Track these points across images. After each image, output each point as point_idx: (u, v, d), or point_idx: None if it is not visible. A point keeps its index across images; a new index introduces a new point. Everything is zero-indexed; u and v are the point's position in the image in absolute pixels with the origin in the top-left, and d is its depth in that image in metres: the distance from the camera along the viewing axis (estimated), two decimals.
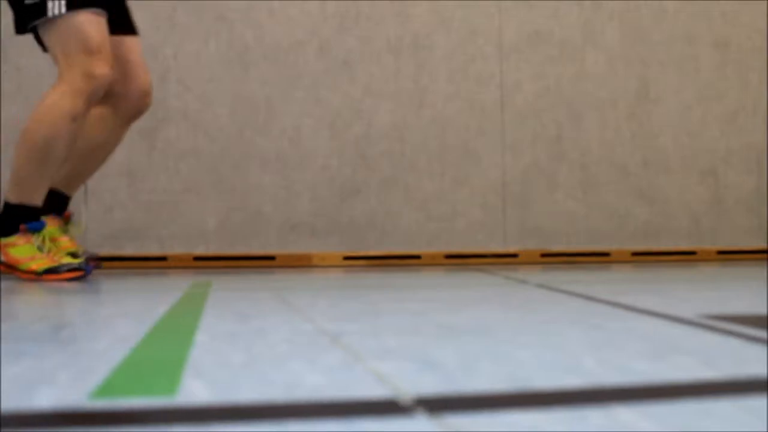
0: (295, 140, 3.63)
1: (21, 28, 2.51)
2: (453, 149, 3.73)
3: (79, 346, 1.18)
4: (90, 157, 2.69)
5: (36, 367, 1.00)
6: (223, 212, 3.57)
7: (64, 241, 2.61)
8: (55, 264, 2.47)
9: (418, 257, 3.66)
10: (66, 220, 2.70)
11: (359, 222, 3.66)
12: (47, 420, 0.74)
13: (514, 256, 3.72)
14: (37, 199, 2.50)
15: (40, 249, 2.48)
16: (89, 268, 2.53)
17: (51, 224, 2.57)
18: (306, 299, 1.98)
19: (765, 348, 1.14)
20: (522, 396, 0.85)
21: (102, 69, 2.45)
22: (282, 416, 0.76)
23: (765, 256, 3.90)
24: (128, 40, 2.72)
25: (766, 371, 0.96)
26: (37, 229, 2.50)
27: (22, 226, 2.48)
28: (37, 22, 2.44)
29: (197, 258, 3.53)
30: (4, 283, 2.48)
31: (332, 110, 3.65)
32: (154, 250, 3.49)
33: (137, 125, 3.53)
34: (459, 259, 3.65)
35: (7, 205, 2.53)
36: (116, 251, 3.45)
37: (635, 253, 3.84)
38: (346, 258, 3.62)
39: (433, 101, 3.72)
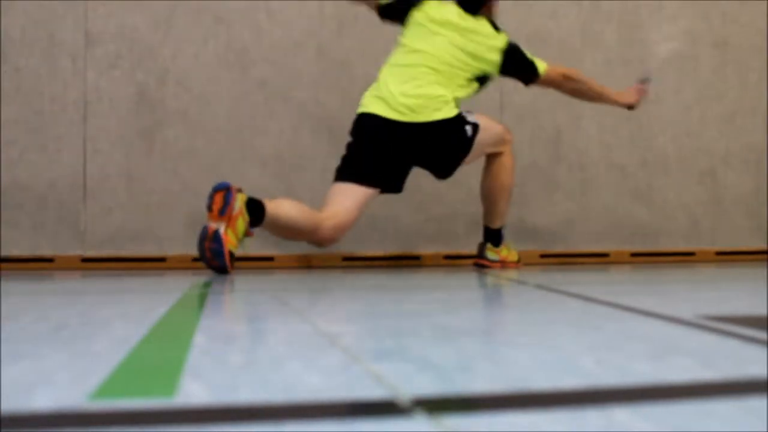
0: (293, 141, 3.62)
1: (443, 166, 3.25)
2: None
3: (78, 347, 1.18)
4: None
5: (35, 368, 1.00)
6: None
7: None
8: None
9: (417, 258, 3.66)
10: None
11: (358, 223, 3.65)
12: (46, 421, 0.75)
13: None
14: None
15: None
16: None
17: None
18: (305, 301, 1.98)
19: (764, 349, 1.14)
20: (520, 397, 0.85)
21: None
22: (280, 417, 0.76)
23: (764, 256, 3.91)
24: None
25: (765, 372, 0.97)
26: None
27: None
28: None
29: (196, 259, 3.53)
30: (3, 285, 2.48)
31: (331, 111, 3.65)
32: (152, 251, 3.49)
33: (136, 127, 3.54)
34: (458, 260, 3.65)
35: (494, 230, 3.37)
36: (115, 252, 3.45)
37: (634, 254, 3.84)
38: (345, 259, 3.62)
39: None
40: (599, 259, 3.80)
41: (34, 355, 1.10)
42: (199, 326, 1.42)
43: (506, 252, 3.37)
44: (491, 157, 3.27)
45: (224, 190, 2.82)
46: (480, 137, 3.16)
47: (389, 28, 3.59)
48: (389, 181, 3.12)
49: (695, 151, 3.95)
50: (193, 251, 3.53)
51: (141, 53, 3.55)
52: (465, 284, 2.62)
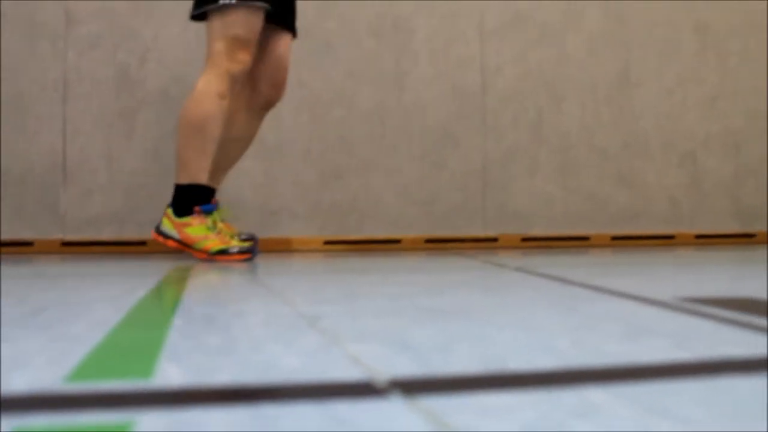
0: (275, 124, 3.61)
1: (196, 10, 2.77)
2: (433, 133, 3.73)
3: (56, 330, 1.18)
4: (229, 149, 2.87)
5: (12, 351, 1.00)
6: None
7: (222, 226, 2.82)
8: (226, 245, 2.70)
9: (398, 241, 3.67)
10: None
11: (340, 206, 3.66)
12: (23, 403, 0.74)
13: (494, 240, 3.74)
14: (203, 178, 2.71)
15: (210, 230, 2.71)
16: (256, 250, 2.79)
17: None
18: (285, 283, 1.98)
19: (739, 330, 1.15)
20: (496, 378, 0.85)
21: (244, 56, 2.70)
22: (258, 398, 0.77)
23: (742, 240, 3.94)
24: (281, 35, 2.93)
25: (738, 352, 0.98)
26: (210, 211, 2.74)
27: (196, 208, 2.71)
28: (210, 7, 2.70)
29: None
30: None
31: (313, 93, 3.64)
32: (133, 235, 3.47)
33: (117, 108, 3.51)
34: (439, 244, 3.66)
35: (179, 187, 2.73)
36: (95, 236, 3.43)
37: (614, 237, 3.86)
38: (327, 242, 3.62)
39: (414, 84, 3.71)
40: (580, 242, 3.82)
41: (11, 339, 1.10)
42: (178, 308, 1.42)
43: (199, 231, 2.71)
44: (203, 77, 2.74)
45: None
46: (226, 19, 2.69)
47: (372, 9, 3.57)
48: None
49: (676, 134, 3.97)
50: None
51: (122, 33, 3.52)
52: (445, 267, 2.63)
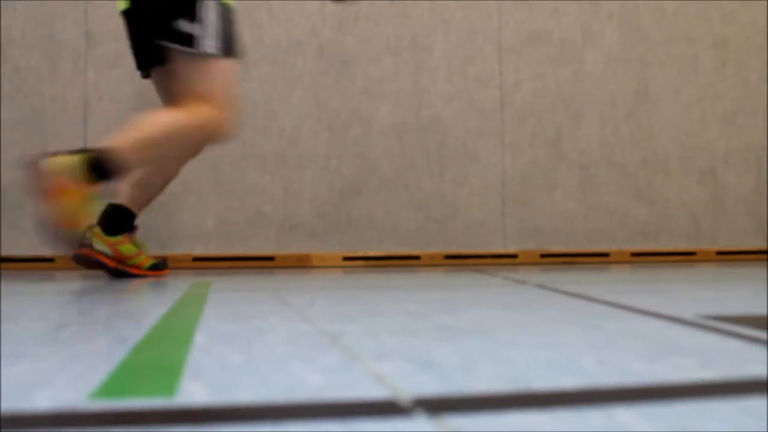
0: (294, 140, 3.62)
1: (150, 39, 2.60)
2: (452, 149, 3.73)
3: (78, 347, 1.18)
4: (158, 184, 2.85)
5: (35, 368, 1.00)
6: (222, 212, 3.57)
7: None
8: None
9: (417, 258, 3.66)
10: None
11: (358, 222, 3.66)
12: (46, 421, 0.74)
13: (514, 256, 3.72)
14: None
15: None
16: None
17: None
18: (305, 300, 1.98)
19: (764, 348, 1.14)
20: (521, 396, 0.85)
21: (232, 120, 2.63)
22: (281, 417, 0.76)
23: (764, 256, 3.90)
24: None
25: (765, 372, 0.96)
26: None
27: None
28: (182, 49, 2.53)
29: (196, 258, 3.53)
30: (3, 285, 2.48)
31: (331, 110, 3.65)
32: (153, 251, 3.48)
33: None
34: (458, 260, 3.66)
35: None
36: None
37: (634, 254, 3.84)
38: (346, 258, 3.62)
39: (433, 101, 3.72)
40: (599, 258, 3.80)
41: (34, 355, 1.10)
42: (200, 326, 1.42)
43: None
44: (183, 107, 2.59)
45: (84, 260, 2.71)
46: (210, 70, 2.57)
47: (390, 27, 3.59)
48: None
49: (696, 150, 3.95)
50: (195, 251, 3.54)
51: None
52: (465, 284, 2.62)
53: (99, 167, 2.42)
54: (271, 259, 3.57)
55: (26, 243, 3.43)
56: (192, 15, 2.50)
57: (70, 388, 0.88)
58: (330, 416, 0.76)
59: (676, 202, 3.92)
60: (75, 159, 2.41)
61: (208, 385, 0.89)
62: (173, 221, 3.50)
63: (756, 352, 1.12)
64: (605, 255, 3.82)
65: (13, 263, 3.39)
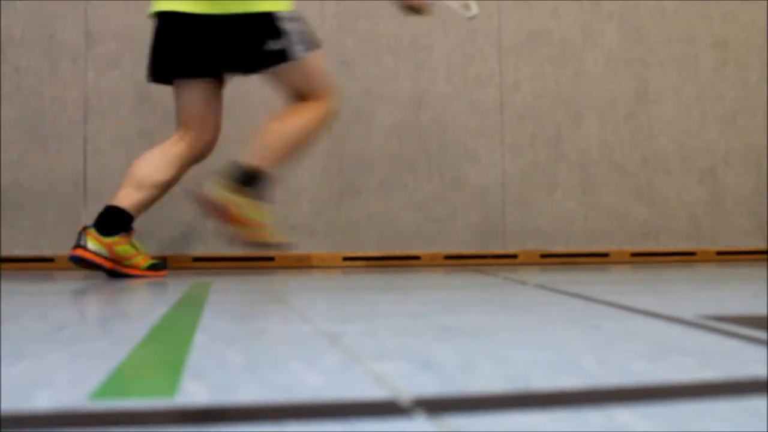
0: None
1: (255, 70, 2.79)
2: (452, 150, 3.73)
3: (78, 347, 1.18)
4: (160, 191, 2.88)
5: (35, 368, 1.00)
6: None
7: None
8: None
9: (417, 258, 3.66)
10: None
11: (358, 223, 3.66)
12: (46, 421, 0.74)
13: (514, 256, 3.72)
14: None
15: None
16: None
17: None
18: (305, 300, 1.98)
19: (764, 348, 1.14)
20: (521, 397, 0.85)
21: (337, 99, 2.92)
22: (281, 417, 0.76)
23: (764, 256, 3.91)
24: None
25: (765, 372, 0.97)
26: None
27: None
28: (281, 66, 2.75)
29: (196, 259, 3.53)
30: (3, 285, 2.48)
31: None
32: (153, 252, 3.48)
33: (136, 127, 3.54)
34: (458, 260, 3.66)
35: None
36: None
37: (634, 254, 3.84)
38: (346, 259, 3.62)
39: (432, 102, 3.72)
40: (599, 258, 3.80)
41: (34, 355, 1.10)
42: (200, 326, 1.42)
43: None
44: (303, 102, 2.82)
45: (80, 262, 2.73)
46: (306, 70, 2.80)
47: (390, 27, 3.59)
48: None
49: (696, 150, 3.95)
50: (194, 251, 3.54)
51: (141, 53, 3.55)
52: (465, 284, 2.62)
53: (250, 184, 2.72)
54: (271, 259, 3.57)
55: (26, 243, 3.44)
56: (277, 33, 2.70)
57: (70, 388, 0.88)
58: (330, 416, 0.76)
59: (676, 202, 3.92)
60: (229, 186, 2.72)
61: (208, 385, 0.89)
62: (174, 222, 3.50)
63: (756, 352, 1.12)
64: (605, 255, 3.82)
65: (13, 263, 3.39)
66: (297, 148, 2.79)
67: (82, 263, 2.73)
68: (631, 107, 3.89)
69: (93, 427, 0.72)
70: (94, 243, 2.72)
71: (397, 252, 3.67)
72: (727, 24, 4.00)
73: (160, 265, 2.86)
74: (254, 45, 2.72)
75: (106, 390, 0.87)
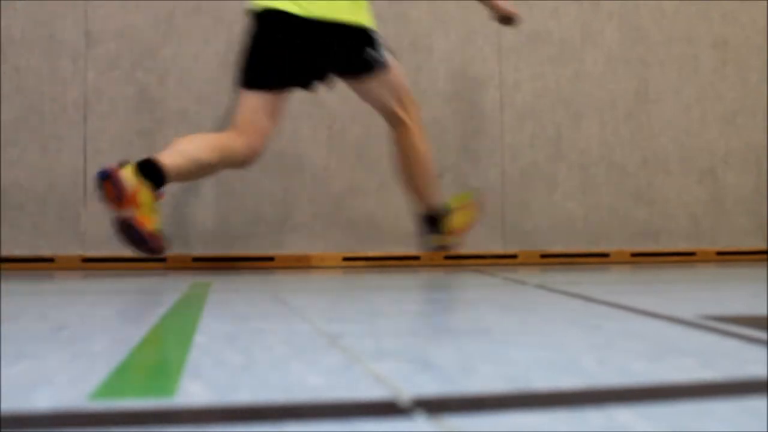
0: (293, 141, 3.62)
1: (355, 73, 2.97)
2: (452, 150, 3.73)
3: (78, 347, 1.18)
4: (196, 168, 2.82)
5: (35, 368, 1.00)
6: (222, 213, 3.57)
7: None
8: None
9: (417, 258, 3.66)
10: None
11: (358, 223, 3.66)
12: (46, 421, 0.74)
13: (513, 257, 3.72)
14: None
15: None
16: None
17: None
18: (305, 300, 1.98)
19: (764, 349, 1.14)
20: (521, 397, 0.85)
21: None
22: (281, 417, 0.76)
23: (764, 256, 3.90)
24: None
25: (765, 372, 0.97)
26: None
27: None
28: (378, 73, 2.97)
29: (196, 259, 3.53)
30: (3, 285, 2.48)
31: (331, 111, 3.65)
32: None
33: (136, 127, 3.54)
34: (458, 260, 3.66)
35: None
36: (115, 252, 3.45)
37: (634, 254, 3.84)
38: (345, 259, 3.62)
39: (432, 102, 3.72)
40: (599, 259, 3.80)
41: (34, 355, 1.10)
42: (199, 326, 1.42)
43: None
44: (399, 129, 3.06)
45: (108, 178, 2.63)
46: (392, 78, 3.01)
47: (390, 28, 3.58)
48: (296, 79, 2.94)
49: (695, 150, 3.95)
50: (194, 251, 3.54)
51: (141, 53, 3.55)
52: (465, 284, 2.62)
53: (438, 223, 3.16)
54: (270, 259, 3.57)
55: (26, 243, 3.44)
56: (374, 44, 2.93)
57: (70, 388, 0.88)
58: (330, 416, 0.76)
59: (676, 202, 3.92)
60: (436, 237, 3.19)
61: (207, 385, 0.89)
62: (173, 221, 3.50)
63: (756, 352, 1.12)
64: (605, 255, 3.82)
65: (13, 263, 3.39)
66: (431, 171, 3.13)
67: (107, 179, 2.62)
68: (631, 107, 3.89)
69: (93, 427, 0.72)
70: (128, 174, 2.63)
71: (397, 252, 3.67)
72: (727, 24, 4.00)
73: (162, 237, 2.74)
74: (357, 51, 2.92)
75: (106, 390, 0.87)
